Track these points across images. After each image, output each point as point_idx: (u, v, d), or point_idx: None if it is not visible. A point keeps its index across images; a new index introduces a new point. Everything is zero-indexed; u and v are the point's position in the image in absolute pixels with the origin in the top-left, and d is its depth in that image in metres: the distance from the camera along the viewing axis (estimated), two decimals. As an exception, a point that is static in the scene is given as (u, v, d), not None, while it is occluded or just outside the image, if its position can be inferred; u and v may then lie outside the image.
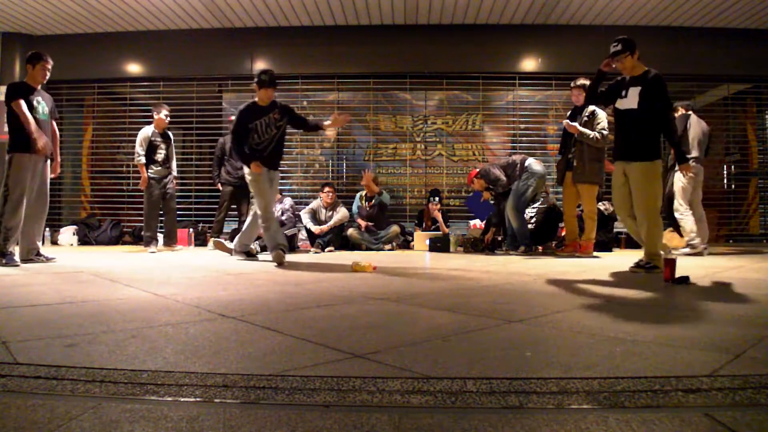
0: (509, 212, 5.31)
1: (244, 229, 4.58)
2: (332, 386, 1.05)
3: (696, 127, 5.20)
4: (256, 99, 4.26)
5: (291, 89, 7.74)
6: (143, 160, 5.63)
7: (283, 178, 7.21)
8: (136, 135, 5.79)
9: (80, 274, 3.31)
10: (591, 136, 4.65)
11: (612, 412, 0.93)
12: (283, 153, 4.50)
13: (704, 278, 3.04)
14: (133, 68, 7.98)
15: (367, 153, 7.97)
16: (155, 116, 5.74)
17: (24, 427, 0.86)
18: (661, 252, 3.36)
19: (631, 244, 6.16)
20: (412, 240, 6.68)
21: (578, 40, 7.40)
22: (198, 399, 0.99)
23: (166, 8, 7.02)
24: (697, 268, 3.61)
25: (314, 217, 6.14)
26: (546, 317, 1.82)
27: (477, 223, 6.74)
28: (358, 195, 6.60)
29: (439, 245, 6.08)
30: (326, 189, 6.16)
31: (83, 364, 1.19)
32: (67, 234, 7.25)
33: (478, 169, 5.85)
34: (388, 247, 6.33)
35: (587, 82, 4.28)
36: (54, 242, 7.18)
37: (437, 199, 6.76)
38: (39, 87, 4.04)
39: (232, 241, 5.43)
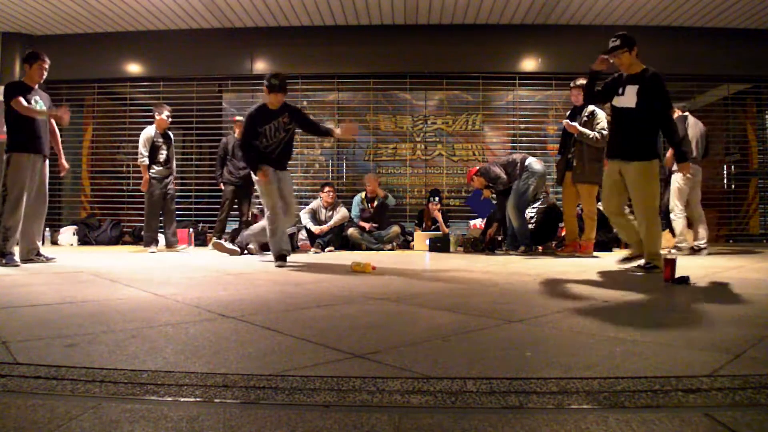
0: (510, 211, 5.31)
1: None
2: (332, 386, 1.05)
3: (694, 127, 5.24)
4: (266, 102, 4.07)
5: (291, 89, 7.70)
6: (147, 161, 5.63)
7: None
8: (135, 135, 5.79)
9: (80, 274, 3.31)
10: (591, 136, 4.66)
11: (612, 412, 0.93)
12: (291, 153, 4.38)
13: (704, 278, 3.04)
14: (133, 68, 7.98)
15: (367, 153, 7.97)
16: (157, 117, 5.73)
17: (24, 427, 0.86)
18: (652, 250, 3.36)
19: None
20: (412, 240, 6.68)
21: (578, 40, 7.40)
22: (198, 399, 0.99)
23: (166, 8, 7.02)
24: (697, 268, 3.61)
25: (314, 217, 6.13)
26: (546, 317, 1.82)
27: (477, 223, 6.74)
28: (357, 197, 6.57)
29: (439, 245, 6.08)
30: (326, 189, 6.16)
31: (83, 364, 1.19)
32: (67, 234, 7.25)
33: (477, 167, 5.86)
34: (388, 247, 6.33)
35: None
36: (54, 242, 7.18)
37: (437, 199, 6.76)
38: (36, 86, 4.04)
39: (232, 242, 5.44)
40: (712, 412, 0.92)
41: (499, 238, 5.85)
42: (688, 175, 4.44)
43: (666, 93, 3.28)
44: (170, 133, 5.94)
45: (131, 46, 7.83)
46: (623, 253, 3.90)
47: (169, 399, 0.99)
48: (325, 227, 5.99)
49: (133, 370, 1.14)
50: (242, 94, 8.16)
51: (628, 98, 3.34)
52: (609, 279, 3.11)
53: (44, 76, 4.06)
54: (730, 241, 7.76)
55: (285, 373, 1.14)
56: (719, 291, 2.62)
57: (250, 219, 5.99)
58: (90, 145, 8.34)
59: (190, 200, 8.08)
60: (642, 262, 3.44)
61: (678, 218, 5.11)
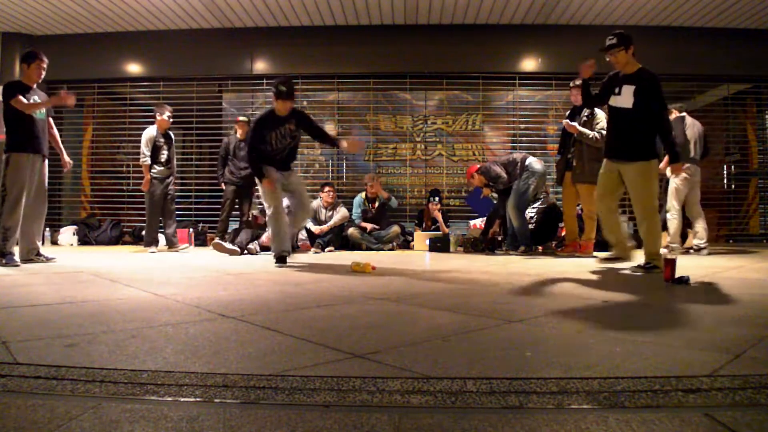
0: (510, 211, 5.31)
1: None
2: (332, 386, 1.05)
3: (692, 128, 5.23)
4: (274, 108, 3.97)
5: (291, 89, 7.73)
6: (149, 161, 5.63)
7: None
8: (135, 135, 5.80)
9: (80, 274, 3.31)
10: (590, 136, 4.66)
11: (612, 412, 0.93)
12: (296, 157, 4.32)
13: (704, 278, 3.04)
14: (133, 68, 7.98)
15: (367, 153, 7.97)
16: (158, 117, 5.73)
17: (24, 427, 0.86)
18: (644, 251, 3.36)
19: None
20: (412, 240, 6.68)
21: (578, 40, 7.38)
22: (198, 399, 0.99)
23: (166, 8, 7.02)
24: (697, 268, 3.61)
25: (314, 217, 6.13)
26: (546, 317, 1.82)
27: (477, 223, 6.74)
28: (358, 198, 6.57)
29: (439, 245, 6.08)
30: (326, 189, 6.16)
31: (83, 364, 1.19)
32: (67, 234, 7.25)
33: (477, 165, 5.86)
34: (388, 247, 6.33)
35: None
36: (54, 242, 7.18)
37: (437, 199, 6.76)
38: (35, 86, 4.04)
39: (233, 242, 5.44)
40: (712, 412, 0.92)
41: (499, 238, 5.85)
42: (685, 176, 4.44)
43: (661, 94, 3.28)
44: (171, 133, 5.95)
45: (131, 46, 7.83)
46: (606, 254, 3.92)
47: (169, 399, 0.99)
48: (325, 227, 5.99)
49: (133, 370, 1.14)
50: (242, 94, 8.17)
51: (625, 98, 3.34)
52: (609, 279, 3.11)
53: (42, 76, 4.06)
54: (730, 241, 7.75)
55: (285, 373, 1.14)
56: (719, 291, 2.62)
57: (249, 219, 5.99)
58: (90, 145, 8.33)
59: (190, 200, 8.08)
60: (642, 262, 3.45)
61: (673, 218, 5.11)
